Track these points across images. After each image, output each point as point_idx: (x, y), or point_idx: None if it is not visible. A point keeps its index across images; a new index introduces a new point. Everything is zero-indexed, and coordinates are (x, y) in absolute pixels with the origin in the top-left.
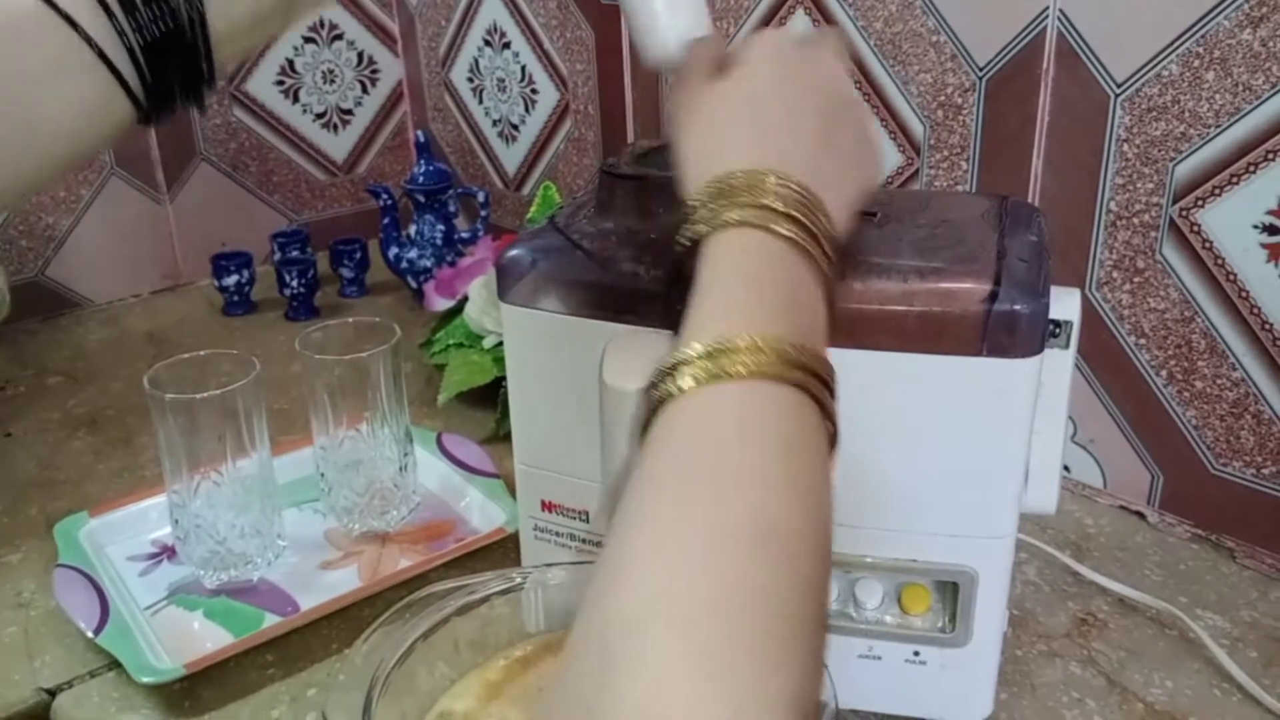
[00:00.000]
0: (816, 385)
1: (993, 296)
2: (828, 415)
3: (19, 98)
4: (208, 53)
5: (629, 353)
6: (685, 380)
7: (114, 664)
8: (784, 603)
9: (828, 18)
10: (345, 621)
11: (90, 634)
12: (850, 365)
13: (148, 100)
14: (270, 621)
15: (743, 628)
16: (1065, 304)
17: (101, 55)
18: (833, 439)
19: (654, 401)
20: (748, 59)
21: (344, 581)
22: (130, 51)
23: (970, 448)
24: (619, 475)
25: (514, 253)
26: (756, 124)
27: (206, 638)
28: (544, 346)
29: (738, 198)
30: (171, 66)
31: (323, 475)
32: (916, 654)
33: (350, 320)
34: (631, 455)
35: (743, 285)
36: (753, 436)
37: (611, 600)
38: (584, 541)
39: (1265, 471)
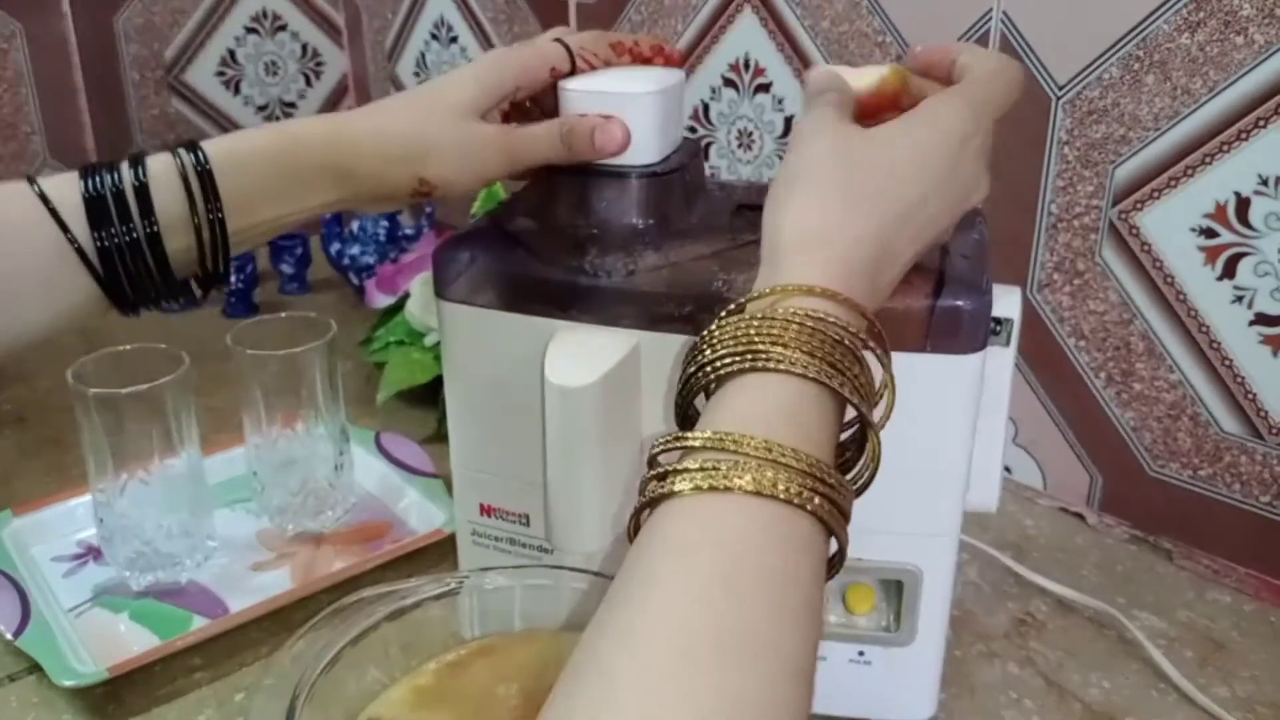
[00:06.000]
0: (826, 506)
1: (937, 292)
2: (835, 533)
3: (8, 293)
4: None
5: (574, 350)
6: (684, 484)
7: (35, 667)
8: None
9: (776, 17)
10: (276, 624)
11: (9, 637)
12: None
13: (133, 297)
14: (198, 624)
15: None
16: (1006, 301)
17: (86, 261)
18: (836, 559)
19: (651, 495)
20: (937, 125)
21: (276, 583)
22: (107, 259)
23: (915, 444)
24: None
25: (451, 247)
26: (887, 206)
27: (132, 640)
28: (482, 344)
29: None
30: (143, 276)
31: (255, 474)
32: (861, 654)
33: (285, 315)
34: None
35: (767, 408)
36: (744, 557)
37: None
38: (524, 545)
39: (1202, 473)
